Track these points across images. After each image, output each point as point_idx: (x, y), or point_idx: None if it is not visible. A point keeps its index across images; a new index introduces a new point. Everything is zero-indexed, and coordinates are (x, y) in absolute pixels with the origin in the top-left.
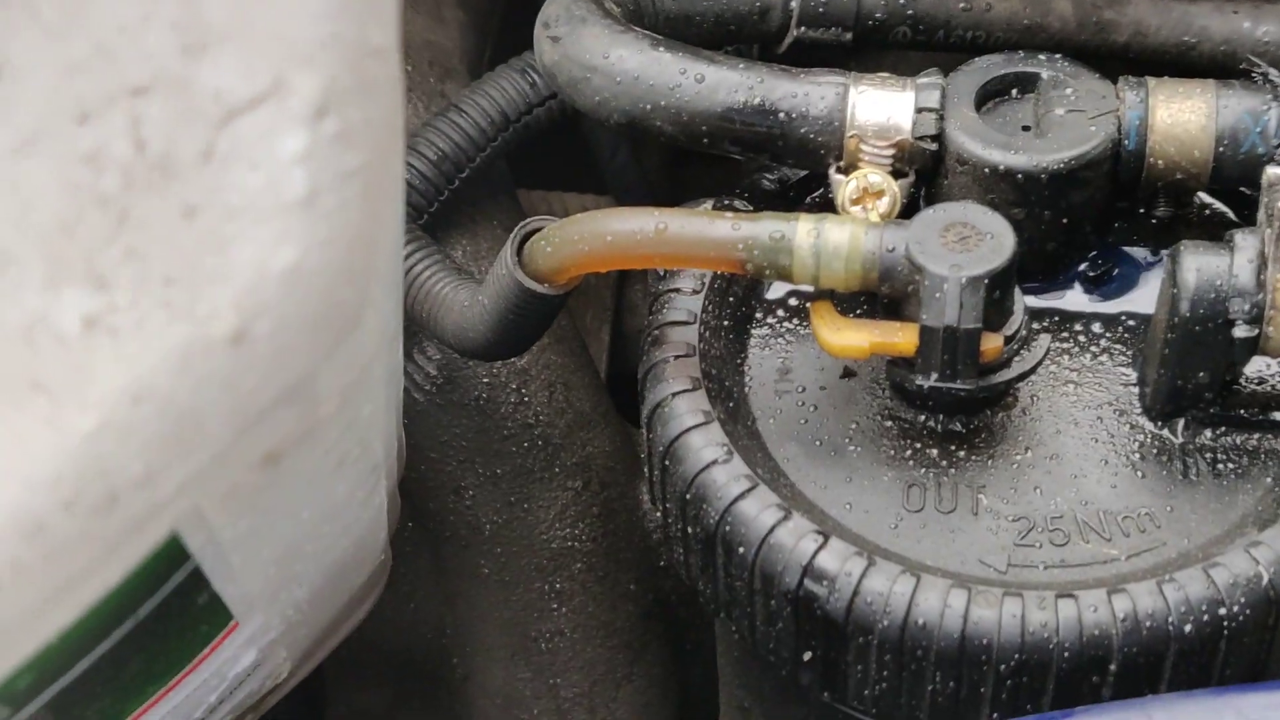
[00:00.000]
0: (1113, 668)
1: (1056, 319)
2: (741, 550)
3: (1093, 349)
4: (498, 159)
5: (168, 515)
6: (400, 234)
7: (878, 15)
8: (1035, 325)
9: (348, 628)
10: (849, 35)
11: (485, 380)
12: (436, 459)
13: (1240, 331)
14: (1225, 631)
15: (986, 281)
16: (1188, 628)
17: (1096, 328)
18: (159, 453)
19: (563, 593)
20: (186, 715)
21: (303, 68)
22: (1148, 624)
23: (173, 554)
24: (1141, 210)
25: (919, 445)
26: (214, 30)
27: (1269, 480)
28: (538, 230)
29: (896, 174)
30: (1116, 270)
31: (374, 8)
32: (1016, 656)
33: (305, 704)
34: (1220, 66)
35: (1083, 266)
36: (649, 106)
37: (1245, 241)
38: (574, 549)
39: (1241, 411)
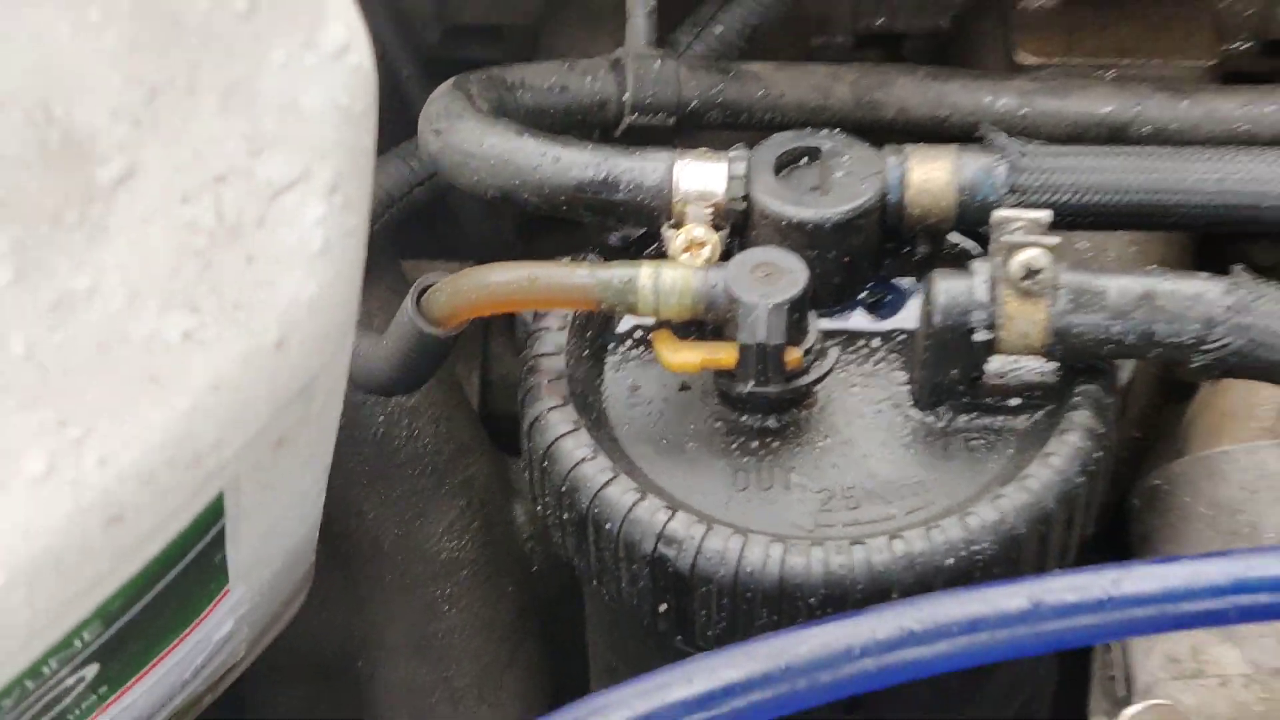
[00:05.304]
0: (894, 595)
1: (844, 337)
2: (608, 526)
3: (873, 358)
4: (385, 231)
5: (221, 477)
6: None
7: (694, 104)
8: (827, 341)
9: (281, 624)
10: (672, 120)
11: (381, 418)
12: (341, 486)
13: (980, 336)
14: (979, 564)
15: (788, 306)
16: (949, 562)
17: (875, 342)
18: (227, 427)
19: (452, 596)
20: (179, 676)
21: (322, 161)
22: (919, 561)
23: (215, 512)
24: (905, 250)
25: (742, 439)
26: (268, 138)
27: (1010, 451)
28: (432, 284)
29: (715, 228)
30: (888, 297)
31: (367, 121)
32: (822, 592)
33: (230, 704)
34: (968, 133)
35: (862, 295)
36: (517, 182)
37: (981, 267)
38: (460, 559)
39: (987, 399)
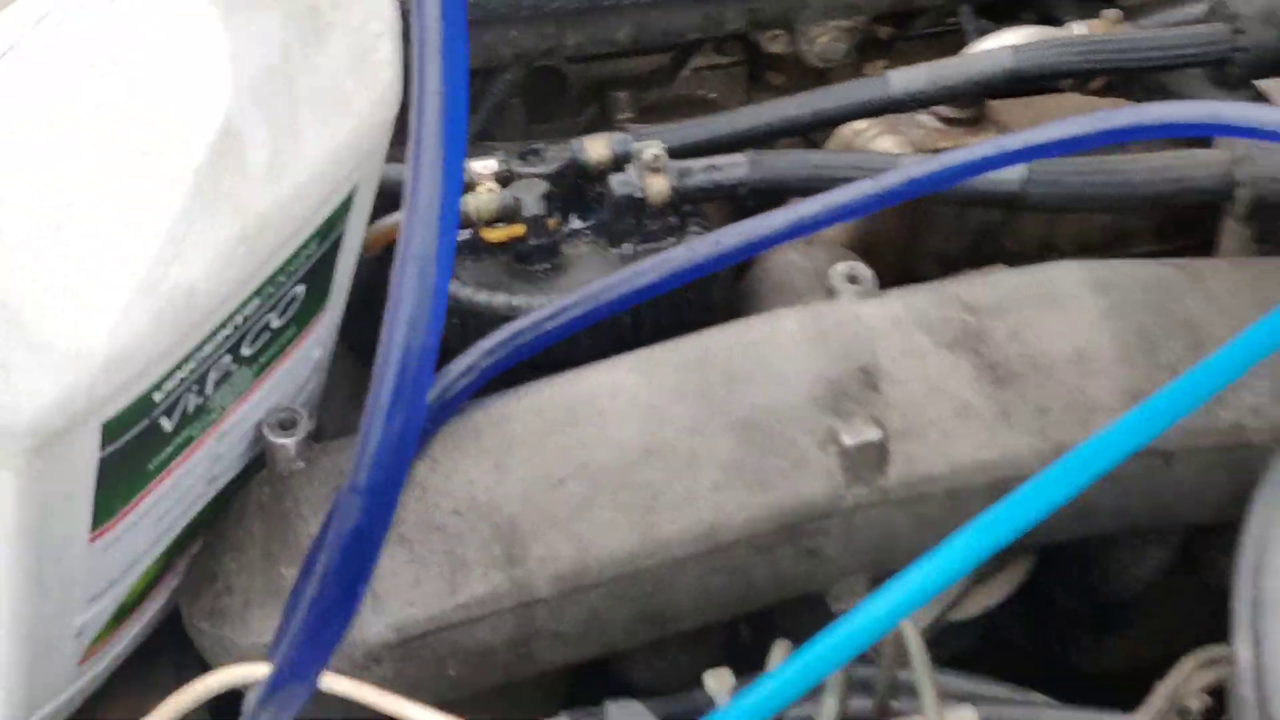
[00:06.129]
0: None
1: (575, 230)
2: (479, 311)
3: (588, 236)
4: None
5: (355, 177)
6: None
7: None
8: (567, 232)
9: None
10: None
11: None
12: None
13: (637, 195)
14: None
15: (544, 196)
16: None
17: (588, 231)
18: (377, 132)
19: None
20: (294, 383)
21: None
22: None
23: (345, 208)
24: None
25: (531, 275)
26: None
27: None
28: None
29: (497, 183)
30: (590, 214)
31: (396, 51)
32: None
33: None
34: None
35: (576, 213)
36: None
37: (631, 168)
38: None
39: (648, 235)
